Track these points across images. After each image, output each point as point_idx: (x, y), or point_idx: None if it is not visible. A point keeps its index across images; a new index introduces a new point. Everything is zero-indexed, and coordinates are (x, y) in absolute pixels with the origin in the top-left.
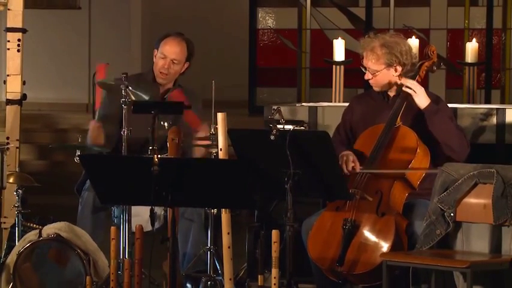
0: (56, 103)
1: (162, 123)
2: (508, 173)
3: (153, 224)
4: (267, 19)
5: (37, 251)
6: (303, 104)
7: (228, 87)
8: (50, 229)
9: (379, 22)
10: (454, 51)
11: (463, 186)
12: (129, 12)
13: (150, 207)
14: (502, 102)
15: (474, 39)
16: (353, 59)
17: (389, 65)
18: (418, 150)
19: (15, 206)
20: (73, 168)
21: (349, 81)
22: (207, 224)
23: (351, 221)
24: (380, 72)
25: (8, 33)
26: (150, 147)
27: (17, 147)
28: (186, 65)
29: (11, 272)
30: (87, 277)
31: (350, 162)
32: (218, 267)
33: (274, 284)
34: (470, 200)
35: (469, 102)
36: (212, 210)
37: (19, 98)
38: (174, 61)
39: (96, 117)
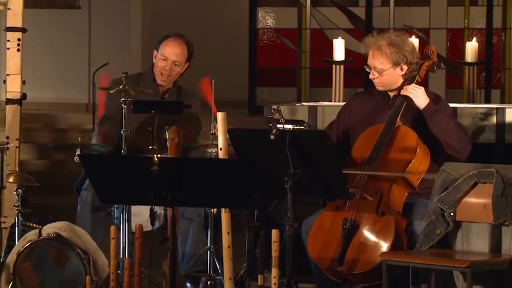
0: (56, 103)
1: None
2: (508, 173)
3: (153, 224)
4: (267, 19)
5: (37, 251)
6: (303, 103)
7: (228, 86)
8: (49, 229)
9: (379, 22)
10: (454, 50)
11: (463, 186)
12: (129, 11)
13: (150, 206)
14: (502, 102)
15: (474, 39)
16: (353, 58)
17: (396, 64)
18: (418, 150)
19: (15, 206)
20: (73, 168)
21: (349, 80)
22: (207, 224)
23: (351, 220)
24: (386, 72)
25: (7, 32)
26: (150, 147)
27: (16, 147)
28: (185, 66)
29: (11, 271)
30: (87, 276)
31: None
32: (218, 267)
33: (274, 284)
34: (470, 199)
35: (469, 102)
36: (212, 210)
37: (19, 97)
38: (176, 63)
39: (100, 120)
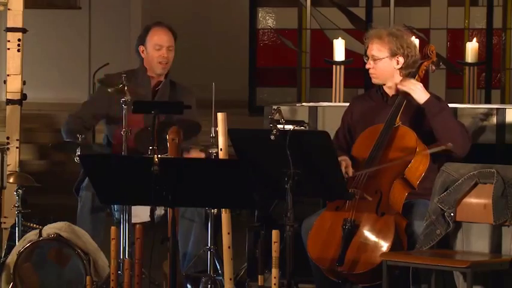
0: (56, 103)
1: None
2: (508, 173)
3: (152, 220)
4: (267, 19)
5: (37, 251)
6: (303, 104)
7: (228, 87)
8: (50, 229)
9: (379, 22)
10: (454, 51)
11: (463, 186)
12: (129, 12)
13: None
14: (502, 102)
15: (474, 39)
16: (353, 59)
17: (392, 54)
18: (417, 150)
19: (15, 206)
20: (73, 168)
21: (349, 81)
22: (207, 224)
23: (351, 220)
24: (382, 61)
25: (8, 33)
26: (150, 147)
27: (17, 147)
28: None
29: (11, 271)
30: (87, 277)
31: (343, 167)
32: (218, 267)
33: (274, 284)
34: (471, 200)
35: (469, 102)
36: (212, 210)
37: (19, 97)
38: (169, 48)
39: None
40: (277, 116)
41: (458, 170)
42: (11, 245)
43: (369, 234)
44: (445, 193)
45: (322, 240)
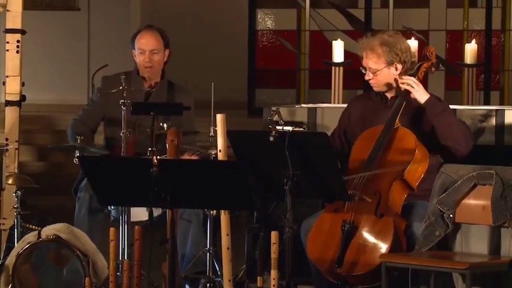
0: (55, 104)
1: (161, 124)
2: (507, 175)
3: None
4: (266, 20)
5: (36, 253)
6: (302, 105)
7: (227, 88)
8: (49, 230)
9: (378, 23)
10: (453, 52)
11: (462, 188)
12: (129, 13)
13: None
14: (501, 104)
15: (473, 41)
16: (352, 60)
17: (389, 64)
18: (416, 151)
19: (14, 207)
20: (72, 170)
21: (348, 82)
22: (206, 225)
23: (350, 222)
24: (381, 72)
25: (7, 34)
26: (150, 148)
27: (16, 149)
28: (166, 53)
29: (10, 273)
30: (86, 278)
31: None
32: (217, 269)
33: (274, 286)
34: (470, 201)
35: (468, 104)
36: (211, 212)
37: (18, 99)
38: (153, 51)
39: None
40: (276, 117)
41: (457, 172)
42: (9, 247)
43: (368, 236)
44: (444, 194)
45: (321, 241)
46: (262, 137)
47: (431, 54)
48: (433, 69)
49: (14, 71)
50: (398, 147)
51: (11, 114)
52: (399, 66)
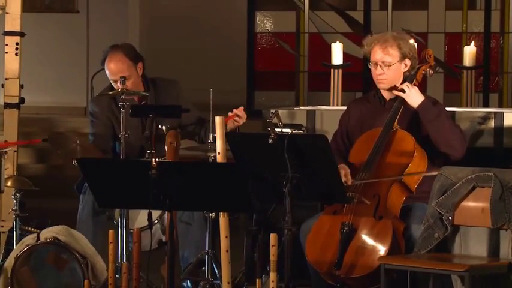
0: (54, 107)
1: (160, 126)
2: (506, 177)
3: (150, 227)
4: (265, 23)
5: (35, 255)
6: (301, 107)
7: (226, 90)
8: (47, 233)
9: (377, 26)
10: (452, 54)
11: (461, 190)
12: (128, 16)
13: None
14: (500, 106)
15: (472, 43)
16: (351, 62)
17: (403, 57)
18: (415, 153)
19: (13, 210)
20: (71, 172)
21: (347, 84)
22: (205, 228)
23: (349, 224)
24: (395, 65)
25: (6, 36)
26: (148, 151)
27: (15, 151)
28: (139, 66)
29: (9, 275)
30: (85, 281)
31: (342, 176)
32: (216, 271)
33: None
34: (469, 203)
35: (467, 106)
36: (210, 214)
37: (17, 101)
38: (123, 79)
39: (89, 140)
40: (275, 120)
41: (456, 174)
42: (8, 249)
43: (367, 238)
44: (443, 197)
45: (320, 243)
46: (261, 139)
47: (430, 56)
48: (432, 71)
49: (13, 74)
50: (397, 150)
51: (10, 117)
52: (408, 63)
